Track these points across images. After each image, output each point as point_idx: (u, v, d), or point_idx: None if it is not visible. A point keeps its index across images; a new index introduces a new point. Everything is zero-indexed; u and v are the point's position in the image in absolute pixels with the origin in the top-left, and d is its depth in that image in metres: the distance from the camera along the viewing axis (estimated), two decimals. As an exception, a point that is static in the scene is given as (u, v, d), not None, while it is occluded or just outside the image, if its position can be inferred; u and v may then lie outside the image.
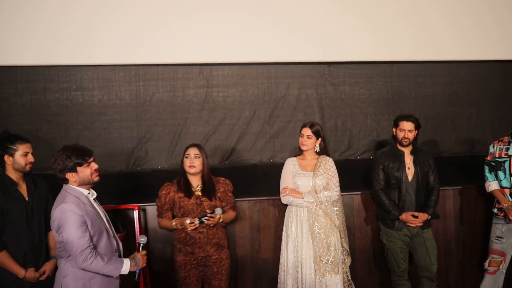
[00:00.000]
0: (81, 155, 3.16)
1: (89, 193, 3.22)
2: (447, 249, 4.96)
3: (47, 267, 3.66)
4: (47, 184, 3.81)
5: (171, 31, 4.90)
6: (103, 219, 3.24)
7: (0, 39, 4.69)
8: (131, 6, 4.87)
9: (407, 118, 4.43)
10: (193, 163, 4.03)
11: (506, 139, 4.51)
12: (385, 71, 5.46)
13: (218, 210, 3.98)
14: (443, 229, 4.94)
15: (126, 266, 3.19)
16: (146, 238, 3.40)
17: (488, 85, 5.63)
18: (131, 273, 3.27)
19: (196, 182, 4.11)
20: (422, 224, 4.39)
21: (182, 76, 5.16)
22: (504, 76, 5.64)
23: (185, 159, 4.08)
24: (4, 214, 3.54)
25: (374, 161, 4.60)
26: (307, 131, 4.30)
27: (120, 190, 4.76)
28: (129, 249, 4.23)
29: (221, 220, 4.04)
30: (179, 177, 4.14)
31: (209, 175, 4.11)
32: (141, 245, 3.37)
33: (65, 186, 3.18)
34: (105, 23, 4.83)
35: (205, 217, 3.93)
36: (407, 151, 4.47)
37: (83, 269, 3.08)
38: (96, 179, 3.22)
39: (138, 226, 4.37)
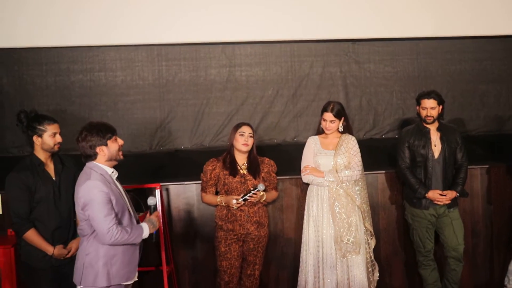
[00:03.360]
0: (111, 129, 3.25)
1: (112, 171, 3.25)
2: (474, 229, 4.86)
3: (73, 244, 3.69)
4: (74, 162, 3.82)
5: (193, 10, 4.85)
6: (125, 198, 3.28)
7: (24, 21, 4.71)
8: (154, -14, 4.85)
9: (428, 95, 4.32)
10: (247, 141, 4.12)
11: (536, 116, 4.37)
12: (411, 48, 5.31)
13: (261, 186, 4.04)
14: (470, 209, 4.84)
15: (146, 230, 3.25)
16: (155, 199, 3.44)
17: (518, 61, 5.45)
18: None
19: (242, 161, 4.20)
20: (449, 202, 4.31)
21: (205, 55, 5.12)
22: (535, 51, 5.44)
23: (239, 137, 4.14)
24: (33, 193, 3.58)
25: (399, 139, 4.52)
26: (329, 117, 4.22)
27: (144, 170, 4.81)
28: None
29: (263, 198, 4.11)
30: (225, 153, 4.24)
31: (255, 154, 4.20)
32: (152, 207, 3.41)
33: (88, 164, 3.20)
34: (128, 3, 4.82)
35: (248, 195, 4.00)
36: (433, 128, 4.38)
37: (110, 245, 3.11)
38: (121, 156, 3.28)
39: (160, 205, 4.37)
